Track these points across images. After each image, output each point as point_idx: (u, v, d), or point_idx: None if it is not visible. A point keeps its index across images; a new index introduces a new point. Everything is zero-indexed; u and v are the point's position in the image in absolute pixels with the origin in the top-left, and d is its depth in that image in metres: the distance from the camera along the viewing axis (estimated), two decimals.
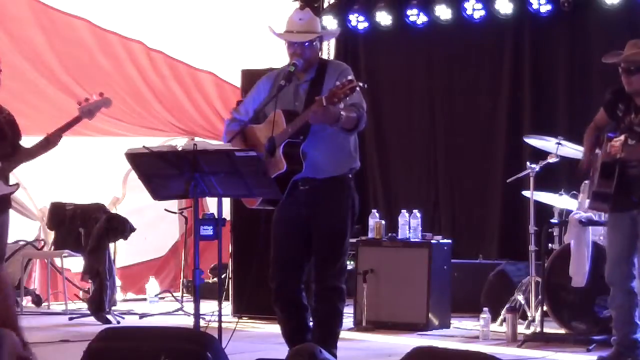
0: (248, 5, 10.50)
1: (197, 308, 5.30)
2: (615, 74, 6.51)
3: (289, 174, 5.52)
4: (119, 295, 9.99)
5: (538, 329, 7.76)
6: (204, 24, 10.47)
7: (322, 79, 5.64)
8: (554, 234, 8.32)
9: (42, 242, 10.52)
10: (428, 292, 8.24)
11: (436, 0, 10.22)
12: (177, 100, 10.73)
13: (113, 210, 10.23)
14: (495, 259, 9.62)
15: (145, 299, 10.30)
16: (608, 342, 6.78)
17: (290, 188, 5.54)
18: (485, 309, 7.83)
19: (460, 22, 10.19)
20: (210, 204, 10.27)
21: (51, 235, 10.42)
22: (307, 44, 5.66)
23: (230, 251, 9.06)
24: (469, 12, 10.08)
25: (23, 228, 10.21)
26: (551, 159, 8.02)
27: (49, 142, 6.62)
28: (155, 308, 9.82)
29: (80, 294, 10.29)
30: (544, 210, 8.48)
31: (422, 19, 10.41)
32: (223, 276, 8.50)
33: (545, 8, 9.69)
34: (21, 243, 10.18)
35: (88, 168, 10.64)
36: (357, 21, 10.73)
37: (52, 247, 10.33)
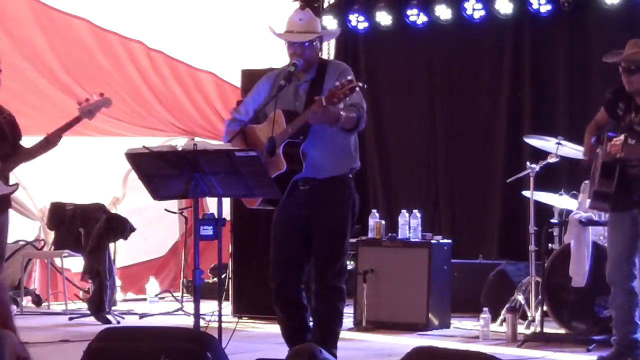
0: (248, 5, 10.50)
1: (197, 308, 5.30)
2: (615, 73, 6.51)
3: (289, 174, 5.52)
4: (119, 295, 10.00)
5: (538, 329, 7.76)
6: (204, 24, 10.47)
7: (322, 79, 5.64)
8: (554, 234, 8.32)
9: (42, 242, 10.52)
10: (428, 292, 8.24)
11: (436, 0, 10.22)
12: (177, 100, 10.73)
13: (113, 210, 10.24)
14: (495, 259, 9.62)
15: (145, 299, 10.30)
16: (608, 342, 6.78)
17: (291, 188, 5.54)
18: (485, 309, 7.83)
19: (460, 22, 10.20)
20: (210, 204, 10.26)
21: (51, 235, 10.42)
22: (307, 44, 5.66)
23: (230, 251, 9.06)
24: (469, 12, 10.09)
25: (23, 228, 10.21)
26: (551, 159, 8.02)
27: (49, 142, 6.63)
28: (155, 308, 9.82)
29: (80, 294, 10.29)
30: (544, 210, 8.48)
31: (422, 19, 10.41)
32: (223, 276, 8.50)
33: (545, 8, 9.69)
34: (21, 243, 10.19)
35: (88, 168, 10.63)
36: (357, 21, 10.73)
37: (52, 247, 10.33)
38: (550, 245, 8.26)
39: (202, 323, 5.41)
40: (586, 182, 7.63)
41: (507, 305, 8.10)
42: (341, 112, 5.38)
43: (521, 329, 7.90)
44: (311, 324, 5.77)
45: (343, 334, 6.04)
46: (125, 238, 9.30)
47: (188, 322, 8.08)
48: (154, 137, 10.41)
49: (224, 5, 10.58)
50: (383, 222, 8.66)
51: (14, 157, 6.63)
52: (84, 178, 10.61)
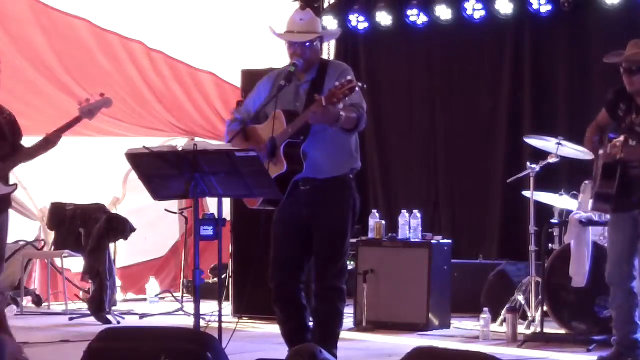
0: (248, 5, 10.50)
1: (197, 308, 5.30)
2: (615, 73, 6.50)
3: (290, 174, 5.52)
4: (119, 295, 9.99)
5: (538, 329, 7.75)
6: (204, 24, 10.47)
7: (322, 79, 5.64)
8: (554, 234, 8.32)
9: (42, 242, 10.52)
10: (428, 292, 8.24)
11: (436, 0, 10.22)
12: (177, 100, 10.73)
13: (113, 210, 10.23)
14: (495, 259, 9.62)
15: (145, 299, 10.30)
16: (608, 342, 6.78)
17: (291, 188, 5.54)
18: (485, 309, 7.83)
19: (460, 22, 10.19)
20: (210, 204, 10.26)
21: (51, 235, 10.42)
22: (307, 44, 5.66)
23: (230, 251, 9.06)
24: (469, 12, 10.08)
25: (23, 228, 10.21)
26: (551, 159, 8.02)
27: (48, 142, 6.63)
28: (155, 308, 9.82)
29: (80, 294, 10.28)
30: (544, 210, 8.48)
31: (422, 19, 10.41)
32: (223, 276, 8.49)
33: (545, 8, 9.69)
34: (21, 243, 10.18)
35: (88, 168, 10.63)
36: (357, 21, 10.73)
37: (52, 247, 10.33)
38: (550, 245, 8.26)
39: (202, 323, 5.41)
40: (586, 182, 7.63)
41: (507, 305, 8.10)
42: (341, 112, 5.38)
43: (521, 329, 7.90)
44: (311, 324, 5.77)
45: (343, 334, 6.04)
46: (125, 238, 9.30)
47: (188, 322, 8.08)
48: (154, 137, 10.40)
49: (224, 5, 10.58)
50: (383, 222, 8.66)
51: (13, 157, 6.63)
52: (84, 178, 10.61)
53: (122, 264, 10.59)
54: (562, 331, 7.74)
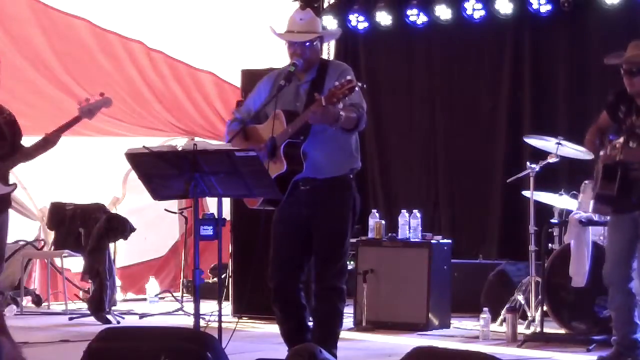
0: (248, 5, 10.50)
1: (197, 308, 5.30)
2: (615, 74, 6.49)
3: (290, 174, 5.52)
4: (119, 295, 9.99)
5: (538, 329, 7.75)
6: (204, 24, 10.47)
7: (322, 79, 5.64)
8: (554, 234, 8.32)
9: (42, 242, 10.52)
10: (428, 292, 8.24)
11: (436, 0, 10.22)
12: (177, 100, 10.73)
13: (113, 210, 10.24)
14: (495, 259, 9.62)
15: (145, 299, 10.30)
16: (608, 342, 6.78)
17: (291, 188, 5.54)
18: (485, 309, 7.83)
19: (460, 22, 10.19)
20: (210, 204, 10.26)
21: (51, 235, 10.42)
22: (307, 44, 5.66)
23: (230, 251, 9.06)
24: (469, 12, 10.08)
25: (23, 228, 10.21)
26: (551, 159, 8.02)
27: (48, 142, 6.63)
28: (155, 308, 9.82)
29: (80, 294, 10.28)
30: (544, 210, 8.48)
31: (422, 19, 10.41)
32: (223, 276, 8.49)
33: (545, 8, 9.69)
34: (21, 243, 10.18)
35: (88, 168, 10.63)
36: (357, 21, 10.73)
37: (52, 247, 10.33)
38: (550, 245, 8.26)
39: (202, 323, 5.41)
40: (586, 182, 7.63)
41: (507, 305, 8.10)
42: (341, 112, 5.38)
43: (521, 329, 7.90)
44: (311, 324, 5.77)
45: (343, 334, 6.04)
46: (125, 238, 9.30)
47: (188, 322, 8.08)
48: (154, 137, 10.41)
49: (224, 5, 10.58)
50: (383, 222, 8.66)
51: (13, 157, 6.63)
52: (84, 178, 10.61)
53: (122, 264, 10.59)
54: (562, 331, 7.74)
